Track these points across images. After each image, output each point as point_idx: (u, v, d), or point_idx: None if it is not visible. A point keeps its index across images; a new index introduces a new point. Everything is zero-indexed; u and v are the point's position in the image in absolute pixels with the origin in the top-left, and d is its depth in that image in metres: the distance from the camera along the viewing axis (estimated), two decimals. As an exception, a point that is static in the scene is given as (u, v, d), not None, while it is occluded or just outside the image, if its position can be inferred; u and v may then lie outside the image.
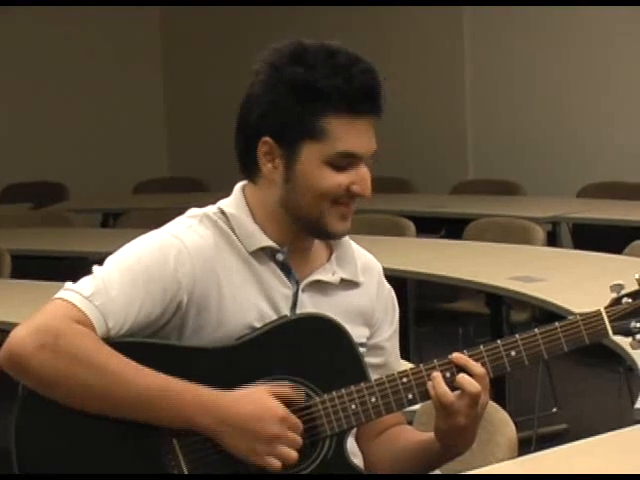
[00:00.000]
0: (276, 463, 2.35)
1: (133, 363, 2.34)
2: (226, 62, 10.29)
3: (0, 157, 10.63)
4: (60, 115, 11.15)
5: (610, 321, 2.50)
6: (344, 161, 2.48)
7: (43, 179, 10.39)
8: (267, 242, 2.53)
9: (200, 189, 9.16)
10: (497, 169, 9.42)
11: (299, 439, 2.38)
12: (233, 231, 2.54)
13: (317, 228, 2.53)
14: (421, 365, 2.48)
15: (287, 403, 2.40)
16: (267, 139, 2.49)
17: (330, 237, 2.57)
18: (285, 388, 2.42)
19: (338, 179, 2.47)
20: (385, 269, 2.77)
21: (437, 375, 2.43)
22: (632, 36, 9.36)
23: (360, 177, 2.49)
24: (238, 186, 2.61)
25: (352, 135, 2.48)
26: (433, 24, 10.46)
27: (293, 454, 2.36)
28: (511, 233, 7.05)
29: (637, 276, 2.52)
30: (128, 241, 2.53)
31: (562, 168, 9.17)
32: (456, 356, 2.45)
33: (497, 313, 6.33)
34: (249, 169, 2.56)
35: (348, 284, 2.64)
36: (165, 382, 2.35)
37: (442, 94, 10.20)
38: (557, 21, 9.71)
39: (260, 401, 2.36)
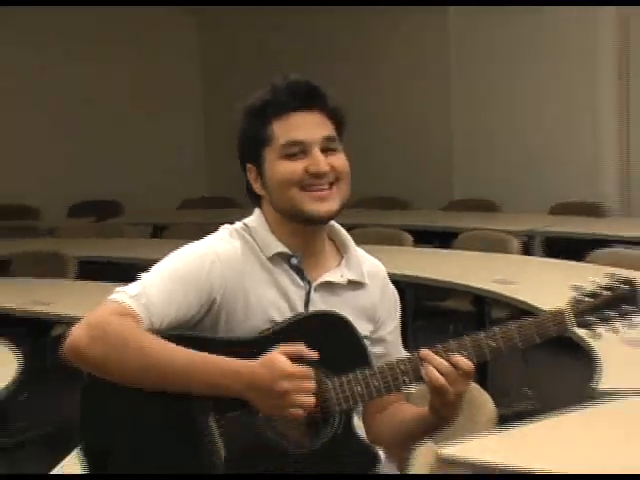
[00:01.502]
0: (297, 412, 2.34)
1: (172, 344, 2.35)
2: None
3: (69, 181, 10.62)
4: (118, 144, 11.13)
5: (572, 317, 2.50)
6: (292, 150, 2.50)
7: (103, 198, 10.41)
8: (282, 248, 2.54)
9: (232, 206, 9.27)
10: (479, 190, 9.40)
11: (311, 385, 2.36)
12: (255, 241, 2.55)
13: (299, 215, 2.52)
14: (415, 354, 2.47)
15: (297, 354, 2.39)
16: (249, 165, 2.57)
17: (313, 220, 2.54)
18: (296, 347, 2.40)
19: (292, 167, 2.49)
20: (387, 274, 2.78)
21: (428, 364, 2.43)
22: (610, 57, 9.15)
23: (313, 160, 2.49)
24: (257, 209, 2.64)
25: (290, 128, 2.50)
26: (422, 59, 10.40)
27: (309, 400, 2.34)
28: (492, 244, 7.06)
29: (592, 279, 2.55)
30: (173, 249, 2.54)
31: (535, 189, 9.14)
32: (447, 351, 2.45)
33: (480, 311, 6.40)
34: (253, 198, 2.62)
35: (355, 285, 2.63)
36: (202, 356, 2.35)
37: (434, 130, 10.17)
38: (536, 57, 9.56)
39: (272, 364, 2.33)
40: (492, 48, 9.91)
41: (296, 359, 2.37)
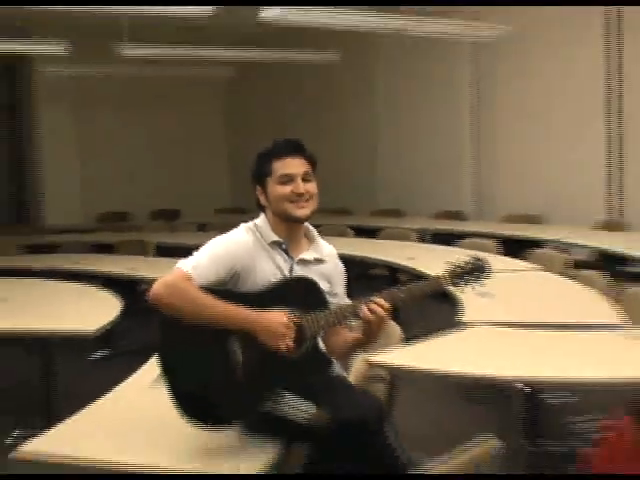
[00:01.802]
0: (284, 347, 2.37)
1: (219, 301, 2.36)
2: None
3: (149, 196, 10.56)
4: (176, 175, 10.98)
5: (447, 279, 2.52)
6: (284, 179, 2.52)
7: (169, 207, 10.36)
8: (276, 238, 2.55)
9: (244, 212, 9.21)
10: (392, 202, 9.40)
11: (293, 334, 2.40)
12: (260, 234, 2.56)
13: (288, 217, 2.55)
14: (355, 301, 2.50)
15: (290, 319, 2.41)
16: (258, 188, 2.58)
17: (296, 220, 2.57)
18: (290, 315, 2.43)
19: (283, 189, 2.52)
20: (339, 253, 2.79)
21: (364, 307, 2.45)
22: (466, 88, 8.76)
23: (295, 185, 2.53)
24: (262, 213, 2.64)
25: (283, 166, 2.53)
26: (355, 122, 10.10)
27: (291, 343, 2.38)
28: (399, 236, 7.09)
29: (458, 257, 2.57)
30: (209, 239, 2.53)
31: (425, 200, 9.10)
32: (375, 299, 2.46)
33: (393, 276, 6.37)
34: (260, 208, 2.62)
35: (319, 261, 2.63)
36: (233, 309, 2.37)
37: (363, 165, 10.07)
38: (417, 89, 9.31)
39: (275, 315, 2.39)
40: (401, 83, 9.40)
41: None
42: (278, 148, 2.56)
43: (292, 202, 2.52)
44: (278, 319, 2.38)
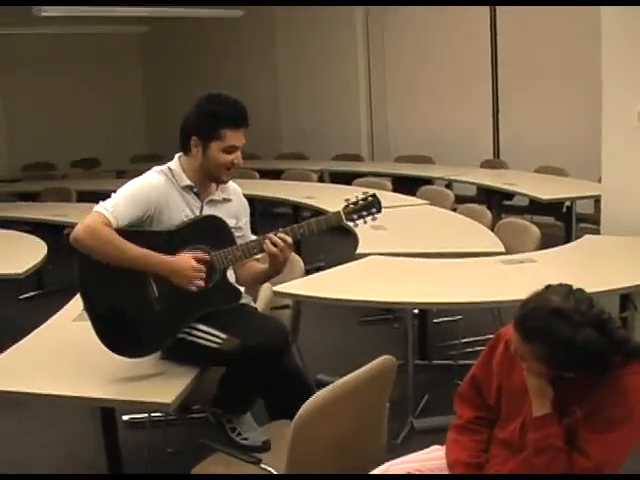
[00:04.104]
0: (194, 288, 2.42)
1: (132, 244, 2.37)
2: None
3: (71, 147, 10.08)
4: (93, 122, 10.57)
5: (344, 215, 2.54)
6: (230, 150, 2.50)
7: (90, 157, 9.85)
8: (188, 182, 2.55)
9: (159, 159, 8.92)
10: (296, 146, 9.27)
11: (203, 274, 2.43)
12: (174, 177, 2.55)
13: (217, 180, 2.57)
14: (260, 237, 2.52)
15: (199, 259, 2.44)
16: (195, 139, 2.51)
17: (222, 183, 2.60)
18: (199, 254, 2.46)
19: (226, 158, 2.51)
20: (247, 194, 2.80)
21: (268, 241, 2.48)
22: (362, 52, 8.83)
23: (237, 157, 2.53)
24: (176, 156, 2.61)
25: (233, 137, 2.50)
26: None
27: (201, 283, 2.43)
28: (301, 177, 7.12)
29: (355, 195, 2.59)
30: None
31: (325, 144, 9.07)
32: (278, 234, 2.50)
33: (296, 213, 6.44)
34: (185, 149, 2.56)
35: (226, 200, 2.65)
36: (147, 254, 2.39)
37: (268, 114, 9.93)
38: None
39: (183, 261, 2.42)
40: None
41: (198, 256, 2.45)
42: (234, 119, 2.49)
43: (227, 169, 2.53)
44: (186, 264, 2.41)
